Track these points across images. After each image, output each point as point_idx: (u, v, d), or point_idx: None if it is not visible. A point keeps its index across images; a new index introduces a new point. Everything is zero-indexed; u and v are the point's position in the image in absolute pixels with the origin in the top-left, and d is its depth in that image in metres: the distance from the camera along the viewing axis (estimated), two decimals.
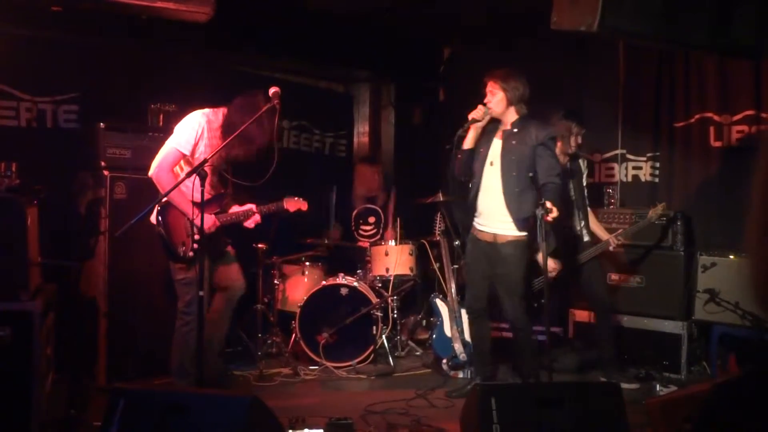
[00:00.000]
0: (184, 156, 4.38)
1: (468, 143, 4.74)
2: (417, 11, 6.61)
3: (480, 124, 4.70)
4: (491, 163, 4.71)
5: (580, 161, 5.42)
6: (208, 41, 5.78)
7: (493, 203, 4.70)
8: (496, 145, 4.72)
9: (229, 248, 4.75)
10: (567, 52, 6.40)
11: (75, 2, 4.54)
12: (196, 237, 4.26)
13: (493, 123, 4.76)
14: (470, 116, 4.64)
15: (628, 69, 6.31)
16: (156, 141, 4.86)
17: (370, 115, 8.03)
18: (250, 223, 4.69)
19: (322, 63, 7.24)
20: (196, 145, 4.39)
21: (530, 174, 4.51)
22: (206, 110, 4.52)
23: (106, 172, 4.97)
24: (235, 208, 4.71)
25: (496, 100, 4.65)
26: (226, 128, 4.39)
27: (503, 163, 4.65)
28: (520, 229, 4.65)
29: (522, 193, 4.61)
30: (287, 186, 4.88)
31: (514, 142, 4.65)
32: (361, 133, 8.04)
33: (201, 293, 3.87)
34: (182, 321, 4.47)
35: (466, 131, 4.70)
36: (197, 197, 3.92)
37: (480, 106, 4.65)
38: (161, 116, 5.33)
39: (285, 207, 4.81)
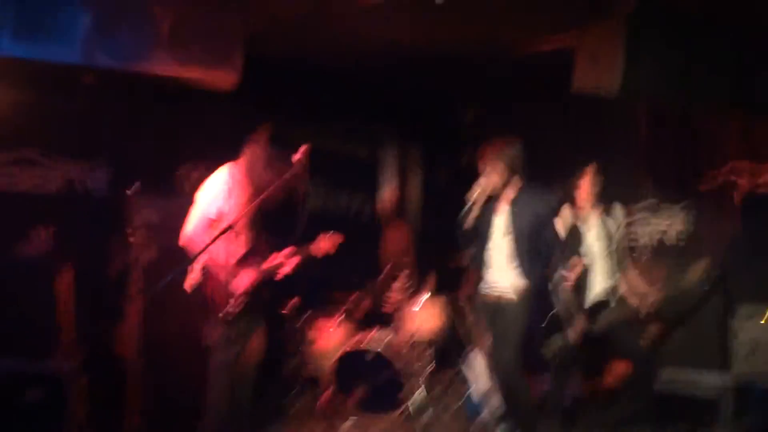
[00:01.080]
0: (211, 220, 4.43)
1: (468, 223, 4.76)
2: (441, 72, 6.73)
3: (478, 204, 4.73)
4: (502, 234, 4.77)
5: (616, 212, 5.37)
6: (234, 108, 5.93)
7: (501, 272, 4.77)
8: (503, 212, 4.80)
9: None
10: (589, 115, 6.43)
11: (106, 74, 4.68)
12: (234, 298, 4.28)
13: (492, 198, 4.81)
14: (473, 194, 4.70)
15: (649, 126, 6.30)
16: (185, 204, 4.95)
17: (397, 176, 8.10)
18: (280, 275, 4.66)
19: (347, 126, 7.35)
20: (222, 207, 4.44)
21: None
22: (228, 165, 4.57)
23: (133, 238, 5.04)
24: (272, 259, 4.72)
25: (491, 178, 4.70)
26: (254, 182, 4.46)
27: (515, 231, 4.73)
28: (525, 278, 4.68)
29: (533, 260, 4.70)
30: None
31: (523, 208, 4.72)
32: (387, 194, 8.08)
33: (232, 354, 3.86)
34: (213, 382, 4.43)
35: (466, 214, 4.72)
36: (230, 259, 3.95)
37: (475, 187, 4.69)
38: (189, 179, 5.43)
39: (313, 250, 4.75)
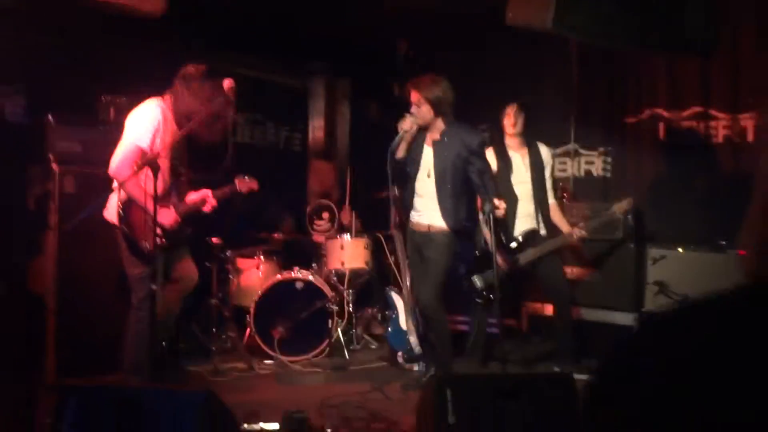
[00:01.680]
0: (143, 150, 4.32)
1: (401, 152, 4.80)
2: (373, 3, 6.62)
3: (410, 133, 4.76)
4: (427, 174, 4.81)
5: (542, 149, 5.47)
6: (160, 35, 5.71)
7: (429, 207, 4.88)
8: (428, 153, 4.83)
9: None
10: (522, 47, 6.47)
11: None
12: (158, 232, 4.22)
13: (422, 129, 4.83)
14: (400, 127, 4.71)
15: (580, 64, 6.41)
16: (107, 134, 4.79)
17: (326, 109, 8.03)
18: (207, 207, 4.68)
19: (277, 56, 7.19)
20: (153, 138, 4.34)
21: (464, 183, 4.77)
22: (157, 100, 4.47)
23: (55, 166, 4.88)
24: (192, 196, 4.68)
25: (422, 110, 4.73)
26: (181, 117, 4.38)
27: (437, 174, 4.81)
28: (449, 225, 4.84)
29: (457, 201, 4.83)
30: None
31: (444, 152, 4.78)
32: (316, 128, 8.03)
33: (154, 287, 3.83)
34: (137, 317, 4.41)
35: (398, 143, 4.75)
36: (155, 191, 3.88)
37: (408, 116, 4.72)
38: (112, 109, 5.24)
39: (238, 188, 4.85)
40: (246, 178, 4.91)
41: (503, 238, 5.20)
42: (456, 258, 4.96)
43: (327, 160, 7.16)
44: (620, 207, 5.32)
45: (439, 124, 4.81)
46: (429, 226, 4.88)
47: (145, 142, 4.31)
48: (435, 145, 4.82)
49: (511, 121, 5.34)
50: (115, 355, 4.53)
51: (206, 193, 4.68)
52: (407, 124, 4.72)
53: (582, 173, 6.43)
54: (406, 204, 5.01)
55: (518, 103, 5.35)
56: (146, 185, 3.97)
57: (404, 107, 4.86)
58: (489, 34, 6.22)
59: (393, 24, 7.31)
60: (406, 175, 4.91)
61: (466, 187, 4.83)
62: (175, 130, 4.40)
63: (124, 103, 5.23)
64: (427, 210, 4.88)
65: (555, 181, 6.29)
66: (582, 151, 6.43)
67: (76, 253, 4.92)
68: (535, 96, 6.51)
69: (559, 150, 6.53)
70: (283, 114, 7.59)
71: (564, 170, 6.52)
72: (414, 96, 4.76)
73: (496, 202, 4.53)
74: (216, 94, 4.31)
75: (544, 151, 5.46)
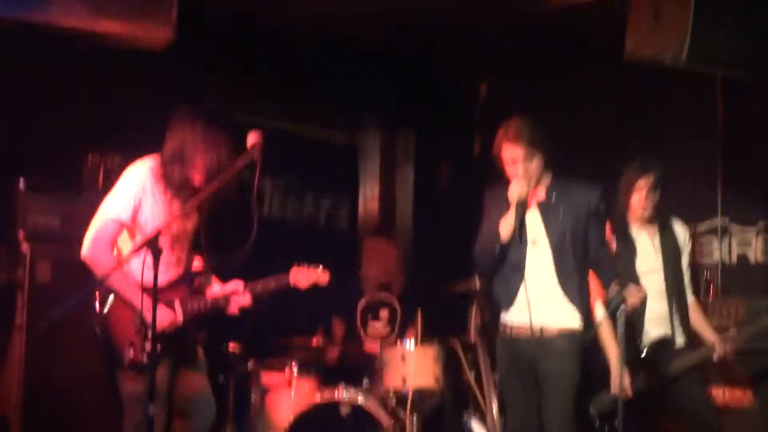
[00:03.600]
0: (123, 225, 4.39)
1: (508, 232, 4.75)
2: (442, 36, 6.75)
3: (523, 204, 4.75)
4: (533, 243, 4.77)
5: (677, 227, 5.40)
6: (164, 73, 5.90)
7: (542, 291, 4.75)
8: (533, 220, 4.80)
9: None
10: (643, 85, 6.49)
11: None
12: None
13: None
14: (513, 197, 4.67)
15: (729, 108, 6.35)
16: (94, 205, 4.91)
17: (382, 172, 8.12)
18: (234, 308, 4.65)
19: (318, 103, 7.35)
20: (137, 208, 4.41)
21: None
22: (148, 159, 4.52)
23: (25, 247, 5.00)
24: (216, 288, 4.69)
25: (531, 165, 4.71)
26: (178, 179, 4.42)
27: (552, 245, 4.73)
28: (579, 319, 4.72)
29: (582, 281, 4.75)
30: (267, 268, 4.87)
31: (558, 213, 4.74)
32: (370, 196, 8.10)
33: (151, 411, 3.84)
34: None
35: (509, 222, 4.72)
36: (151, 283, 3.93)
37: (517, 181, 4.70)
38: (101, 172, 5.39)
39: (293, 282, 4.76)
40: (308, 267, 4.84)
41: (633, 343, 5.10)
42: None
43: (385, 237, 7.16)
44: None
45: (546, 180, 4.81)
46: (542, 329, 4.74)
47: (121, 214, 4.35)
48: (542, 206, 4.78)
49: (642, 198, 5.24)
50: None
51: (236, 286, 4.66)
52: (522, 191, 4.69)
53: (734, 258, 6.32)
54: (499, 299, 4.94)
55: (655, 175, 5.27)
56: (143, 274, 4.01)
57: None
58: (593, 69, 6.27)
59: (469, 62, 7.44)
60: (499, 258, 4.86)
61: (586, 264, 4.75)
62: (173, 199, 4.44)
63: (117, 165, 5.37)
64: (539, 302, 4.74)
65: (696, 269, 6.20)
66: (734, 227, 6.33)
67: (50, 361, 4.98)
68: (666, 151, 6.50)
69: (701, 227, 6.44)
70: (325, 179, 7.69)
71: (709, 254, 6.41)
72: (516, 148, 4.70)
73: (632, 288, 4.40)
74: (230, 148, 4.37)
75: (680, 229, 5.39)
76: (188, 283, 4.58)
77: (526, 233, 4.78)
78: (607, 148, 5.59)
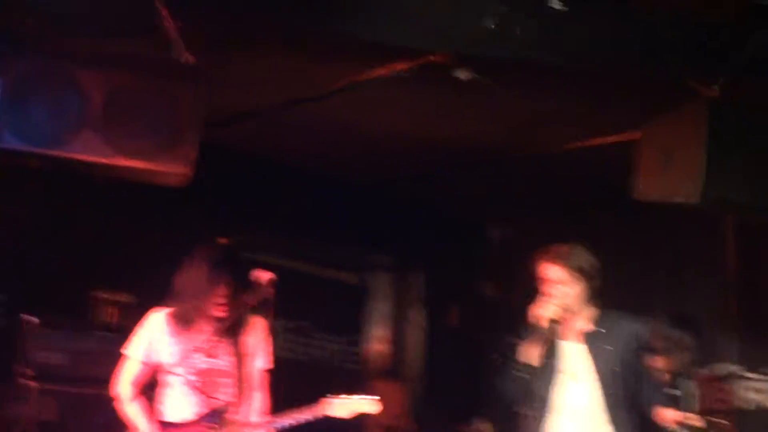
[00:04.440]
0: (142, 363, 4.37)
1: (533, 358, 4.59)
2: (453, 179, 6.83)
3: (550, 328, 4.61)
4: (574, 379, 4.58)
5: (690, 385, 5.35)
6: (180, 212, 5.95)
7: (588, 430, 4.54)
8: (576, 352, 4.62)
9: None
10: (658, 228, 6.51)
11: (10, 158, 4.68)
12: None
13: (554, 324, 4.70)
14: (537, 314, 4.50)
15: (742, 250, 6.36)
16: (103, 343, 4.89)
17: (391, 314, 8.10)
18: None
19: (329, 244, 7.39)
20: (149, 345, 4.38)
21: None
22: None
23: (32, 383, 4.96)
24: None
25: (567, 290, 4.61)
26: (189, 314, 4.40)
27: (603, 382, 4.50)
28: None
29: (631, 418, 4.48)
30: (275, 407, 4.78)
31: (607, 347, 4.52)
32: (379, 338, 8.06)
33: None
34: None
35: (529, 343, 4.59)
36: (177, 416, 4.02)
37: (546, 301, 4.56)
38: (111, 310, 5.38)
39: (330, 413, 4.48)
40: (348, 398, 4.53)
41: None
42: None
43: (394, 379, 7.11)
44: None
45: (589, 312, 4.59)
46: None
47: (134, 351, 4.35)
48: (589, 338, 4.56)
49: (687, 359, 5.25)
50: None
51: (263, 420, 4.48)
52: (549, 310, 4.45)
53: (751, 406, 6.21)
54: None
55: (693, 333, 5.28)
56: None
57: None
58: (603, 214, 6.30)
59: (479, 201, 7.50)
60: (533, 397, 4.65)
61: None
62: (189, 336, 4.43)
63: (127, 303, 5.37)
64: None
65: (711, 417, 6.10)
66: (750, 375, 6.26)
67: None
68: (674, 293, 6.49)
69: (716, 372, 6.36)
70: (334, 320, 7.66)
71: (723, 401, 6.31)
72: (553, 270, 4.49)
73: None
74: (239, 284, 4.35)
75: (690, 381, 5.37)
76: (211, 421, 4.48)
77: (561, 370, 4.54)
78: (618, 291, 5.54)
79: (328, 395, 4.54)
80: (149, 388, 4.36)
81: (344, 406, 4.50)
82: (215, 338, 4.38)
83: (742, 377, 6.29)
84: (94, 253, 5.86)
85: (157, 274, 5.62)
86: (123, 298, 5.43)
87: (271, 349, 4.60)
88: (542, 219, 7.33)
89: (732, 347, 6.37)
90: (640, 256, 6.68)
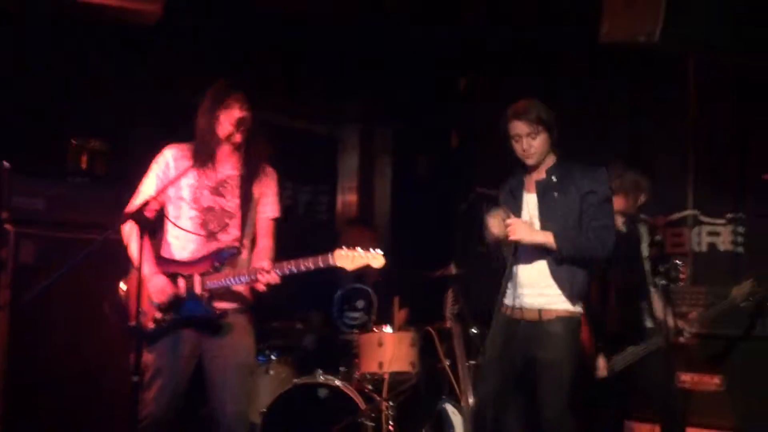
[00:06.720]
0: (154, 199, 4.34)
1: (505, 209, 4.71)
2: (422, 31, 6.79)
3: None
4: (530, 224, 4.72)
5: (639, 226, 5.48)
6: (149, 59, 5.91)
7: (536, 273, 4.65)
8: (530, 200, 4.74)
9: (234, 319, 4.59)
10: (616, 76, 6.55)
11: None
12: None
13: (518, 174, 4.81)
14: (493, 232, 4.63)
15: (702, 96, 6.42)
16: (78, 188, 4.92)
17: (361, 164, 8.16)
18: (260, 286, 4.46)
19: (297, 95, 7.38)
20: (163, 180, 4.43)
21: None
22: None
23: (9, 226, 5.01)
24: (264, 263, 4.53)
25: (536, 142, 4.66)
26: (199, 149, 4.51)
27: (545, 223, 4.63)
28: (574, 303, 4.62)
29: (578, 249, 4.55)
30: None
31: (556, 194, 4.63)
32: (348, 187, 8.13)
33: (135, 378, 3.82)
34: None
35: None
36: (182, 254, 4.17)
37: (499, 216, 4.62)
38: (85, 156, 5.39)
39: (334, 263, 4.48)
40: (355, 251, 4.53)
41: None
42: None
43: (363, 226, 7.19)
44: (740, 290, 5.25)
45: (548, 161, 4.72)
46: (539, 312, 4.62)
47: (145, 186, 4.45)
48: (541, 187, 4.67)
49: (643, 200, 5.40)
50: None
51: (262, 263, 4.50)
52: (499, 230, 4.59)
53: (704, 248, 6.36)
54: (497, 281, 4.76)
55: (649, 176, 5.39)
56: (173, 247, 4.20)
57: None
58: (568, 58, 6.29)
59: (447, 56, 7.48)
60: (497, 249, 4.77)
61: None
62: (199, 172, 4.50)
63: (100, 149, 5.38)
64: (535, 285, 4.65)
65: (668, 258, 6.24)
66: (704, 218, 6.38)
67: (35, 340, 4.96)
68: (636, 142, 6.57)
69: (673, 217, 6.49)
70: (304, 171, 7.71)
71: (680, 244, 6.45)
72: (521, 127, 4.60)
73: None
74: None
75: (639, 223, 5.50)
76: (214, 259, 4.47)
77: (519, 214, 4.69)
78: (579, 136, 5.63)
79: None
80: (155, 227, 4.44)
81: (349, 258, 4.51)
82: (227, 179, 4.50)
83: (697, 221, 6.44)
84: (70, 104, 5.82)
85: (129, 122, 5.66)
86: (97, 145, 5.43)
87: (278, 198, 4.75)
88: (505, 68, 7.35)
89: (687, 193, 6.50)
90: (599, 104, 6.73)
